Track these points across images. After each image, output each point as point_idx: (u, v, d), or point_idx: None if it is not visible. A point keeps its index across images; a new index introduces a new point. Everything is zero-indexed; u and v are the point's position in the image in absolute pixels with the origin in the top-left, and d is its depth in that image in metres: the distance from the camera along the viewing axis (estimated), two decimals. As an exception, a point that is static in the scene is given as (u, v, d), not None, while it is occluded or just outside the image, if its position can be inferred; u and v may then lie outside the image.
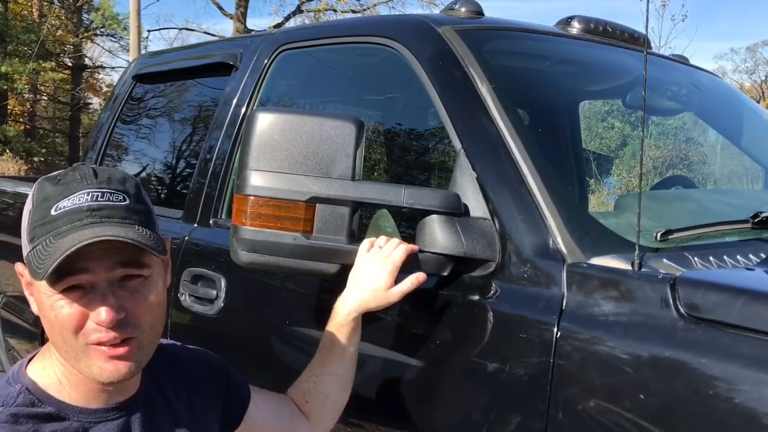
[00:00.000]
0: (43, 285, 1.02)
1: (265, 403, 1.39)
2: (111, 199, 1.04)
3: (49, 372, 1.09)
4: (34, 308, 1.08)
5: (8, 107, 21.16)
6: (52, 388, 1.08)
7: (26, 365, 1.12)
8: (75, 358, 1.04)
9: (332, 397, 1.42)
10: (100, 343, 1.02)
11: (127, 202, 1.05)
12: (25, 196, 3.44)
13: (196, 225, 2.12)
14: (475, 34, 1.84)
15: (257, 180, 1.38)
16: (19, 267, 1.07)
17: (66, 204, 1.01)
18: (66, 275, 1.00)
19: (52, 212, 1.01)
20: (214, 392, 1.30)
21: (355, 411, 1.60)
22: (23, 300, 3.01)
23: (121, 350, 1.03)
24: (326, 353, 1.42)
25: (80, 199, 1.02)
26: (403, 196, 1.42)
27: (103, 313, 1.01)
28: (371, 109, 2.31)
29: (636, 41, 2.28)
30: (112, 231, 1.00)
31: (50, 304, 1.02)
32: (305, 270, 1.43)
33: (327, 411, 1.43)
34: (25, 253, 1.04)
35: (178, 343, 1.36)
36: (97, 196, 1.03)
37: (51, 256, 0.98)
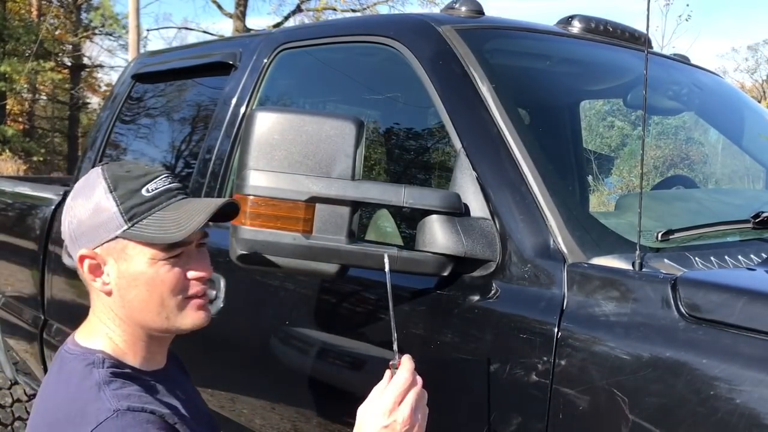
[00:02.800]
0: (146, 255, 1.19)
1: None
2: (176, 181, 1.26)
3: (107, 342, 1.23)
4: (105, 286, 1.22)
5: (7, 107, 21.14)
6: (118, 354, 1.23)
7: (77, 343, 1.25)
8: (167, 317, 1.23)
9: None
10: (196, 296, 1.24)
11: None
12: (25, 196, 3.41)
13: (195, 225, 2.11)
14: (475, 33, 1.84)
15: (257, 180, 1.38)
16: (84, 251, 1.20)
17: (157, 185, 1.21)
18: (179, 243, 1.20)
19: (144, 193, 1.19)
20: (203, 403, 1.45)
21: (355, 411, 1.60)
22: (22, 300, 3.02)
23: (205, 299, 1.27)
24: None
25: (164, 181, 1.22)
26: (403, 196, 1.41)
27: (204, 269, 1.25)
28: (371, 108, 2.31)
29: (637, 40, 2.28)
30: (211, 201, 1.25)
31: (155, 270, 1.20)
32: (305, 270, 1.43)
33: None
34: (115, 233, 1.18)
35: None
36: (172, 179, 1.24)
37: (181, 222, 1.18)
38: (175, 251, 1.21)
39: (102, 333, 1.24)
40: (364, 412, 1.16)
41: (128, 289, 1.21)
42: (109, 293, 1.22)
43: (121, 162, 1.19)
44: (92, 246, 1.20)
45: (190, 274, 1.24)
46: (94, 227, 1.19)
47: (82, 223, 1.20)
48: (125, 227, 1.18)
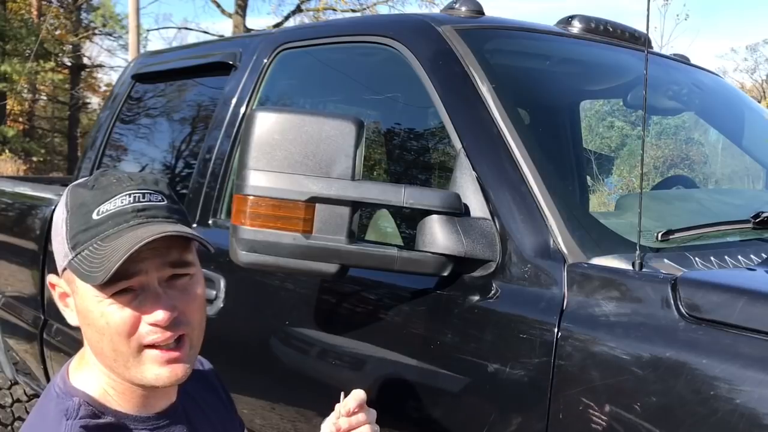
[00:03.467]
0: (90, 291, 1.00)
1: None
2: (151, 199, 1.03)
3: (94, 383, 1.07)
4: (72, 319, 1.07)
5: (7, 107, 21.13)
6: (103, 399, 1.07)
7: (67, 377, 1.10)
8: (125, 365, 1.02)
9: None
10: (154, 346, 1.02)
11: (166, 202, 1.06)
12: (25, 196, 3.41)
13: (195, 225, 2.12)
14: (475, 33, 1.84)
15: (257, 180, 1.37)
16: (52, 278, 1.07)
17: (109, 207, 1.00)
18: (120, 278, 0.98)
19: (95, 216, 1.00)
20: (236, 428, 1.30)
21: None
22: (22, 300, 3.02)
23: (176, 353, 1.03)
24: None
25: (122, 201, 1.01)
26: (403, 196, 1.41)
27: (159, 313, 1.00)
28: (371, 108, 2.31)
29: (637, 40, 2.28)
30: (168, 228, 1.01)
31: (101, 310, 1.00)
32: (305, 270, 1.42)
33: None
34: (64, 262, 1.02)
35: (204, 360, 1.32)
36: (139, 197, 1.02)
37: (108, 258, 0.97)
38: (116, 288, 0.99)
39: (93, 369, 1.08)
40: None
41: (85, 326, 1.05)
42: (81, 327, 1.06)
43: (108, 172, 1.05)
44: (58, 273, 1.07)
45: (145, 318, 1.01)
46: (56, 253, 1.06)
47: (52, 243, 1.08)
48: (70, 257, 1.01)
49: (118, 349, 1.01)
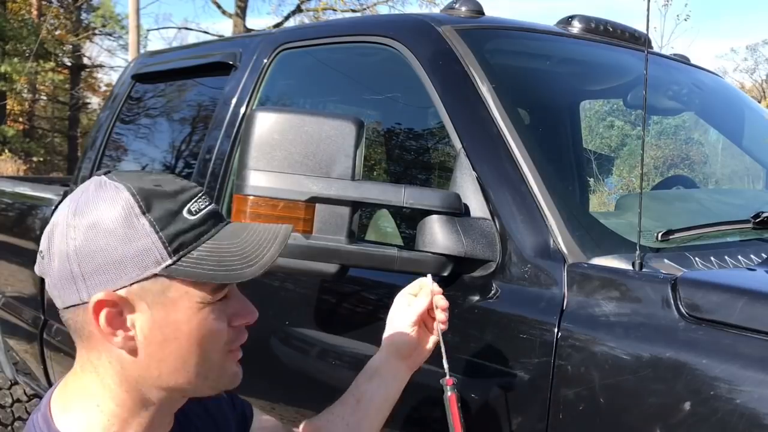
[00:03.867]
0: (193, 298, 0.91)
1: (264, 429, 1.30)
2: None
3: (93, 420, 0.93)
4: (124, 343, 0.90)
5: (7, 107, 21.14)
6: None
7: (51, 419, 0.93)
8: (206, 376, 0.95)
9: None
10: (238, 348, 0.99)
11: None
12: (25, 196, 3.40)
13: (195, 225, 2.11)
14: (475, 33, 1.84)
15: (257, 180, 1.37)
16: (101, 295, 0.88)
17: (199, 206, 0.93)
18: (225, 284, 0.93)
19: (187, 215, 0.91)
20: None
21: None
22: (22, 300, 3.02)
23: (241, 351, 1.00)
24: (347, 397, 1.34)
25: (205, 200, 0.95)
26: (403, 196, 1.41)
27: (253, 314, 0.98)
28: (371, 108, 2.31)
29: (637, 41, 2.28)
30: (277, 229, 0.99)
31: (202, 318, 0.92)
32: (305, 270, 1.42)
33: None
34: (159, 268, 0.89)
35: None
36: (207, 197, 0.98)
37: (246, 255, 0.92)
38: (222, 293, 0.94)
39: (89, 406, 0.93)
40: None
41: (163, 343, 0.91)
42: (132, 351, 0.91)
43: (137, 172, 0.95)
44: (113, 287, 0.88)
45: (237, 321, 0.97)
46: (118, 262, 0.88)
47: (95, 255, 0.88)
48: (169, 261, 0.89)
49: (208, 358, 0.94)
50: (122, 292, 0.89)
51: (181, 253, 0.89)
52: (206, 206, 0.94)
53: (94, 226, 0.88)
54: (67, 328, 0.95)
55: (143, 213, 0.89)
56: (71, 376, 0.96)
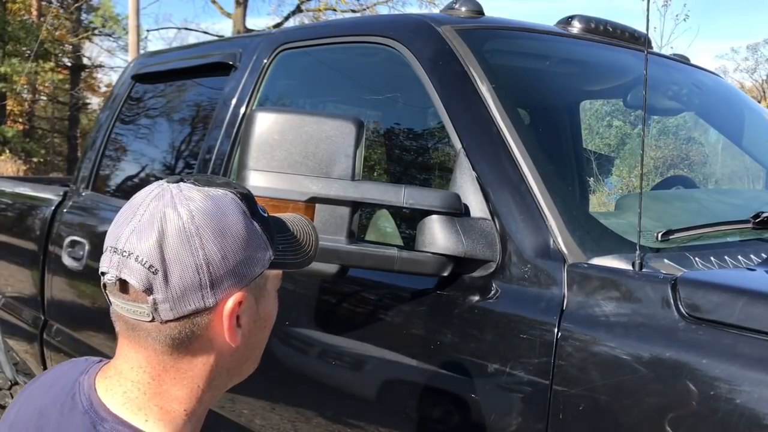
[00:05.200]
0: (275, 286, 0.99)
1: None
2: None
3: (179, 422, 0.92)
4: (241, 332, 0.93)
5: (7, 107, 21.13)
6: None
7: (123, 421, 0.90)
8: (256, 356, 1.00)
9: None
10: None
11: None
12: (25, 196, 3.40)
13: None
14: (475, 33, 1.84)
15: (256, 180, 1.38)
16: (238, 296, 0.90)
17: (257, 206, 0.97)
18: None
19: (262, 213, 0.96)
20: None
21: (355, 411, 1.60)
22: (22, 300, 3.02)
23: None
24: None
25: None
26: (403, 196, 1.41)
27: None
28: (371, 109, 2.31)
29: (637, 41, 2.28)
30: (299, 217, 1.08)
31: (277, 302, 1.00)
32: (305, 270, 1.42)
33: None
34: (266, 265, 0.93)
35: None
36: None
37: (301, 242, 1.00)
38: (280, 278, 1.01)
39: (173, 413, 0.91)
40: None
41: (261, 332, 0.98)
42: (236, 349, 0.93)
43: (207, 176, 0.95)
44: (237, 288, 0.90)
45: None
46: (244, 263, 0.90)
47: (227, 260, 0.88)
48: (274, 257, 0.94)
49: (265, 338, 1.01)
50: (245, 292, 0.91)
51: (273, 247, 0.94)
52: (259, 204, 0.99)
53: (222, 233, 0.88)
54: (152, 340, 0.89)
55: (250, 215, 0.92)
56: (129, 384, 0.91)
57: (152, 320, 0.87)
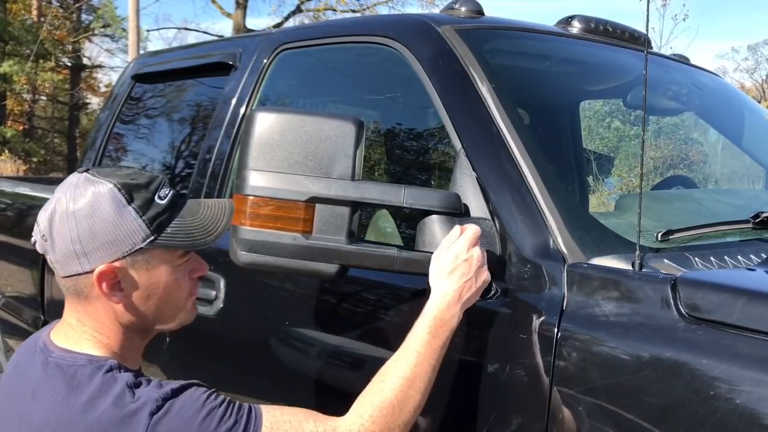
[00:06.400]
0: (168, 262, 1.23)
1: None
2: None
3: (103, 349, 1.22)
4: (126, 296, 1.21)
5: (7, 107, 21.13)
6: (118, 360, 1.21)
7: (65, 349, 1.21)
8: (173, 316, 1.28)
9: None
10: (195, 294, 1.31)
11: None
12: (25, 196, 3.39)
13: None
14: (475, 33, 1.84)
15: (256, 180, 1.37)
16: (103, 267, 1.17)
17: (165, 192, 1.22)
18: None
19: (158, 200, 1.20)
20: None
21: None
22: (22, 300, 3.02)
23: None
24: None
25: (168, 186, 1.24)
26: (403, 196, 1.41)
27: (205, 267, 1.32)
28: (371, 109, 2.31)
29: (636, 41, 2.28)
30: (224, 204, 1.33)
31: (174, 276, 1.24)
32: (305, 270, 1.42)
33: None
34: (140, 244, 1.18)
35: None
36: (168, 182, 1.26)
37: (205, 227, 1.25)
38: (187, 257, 1.26)
39: (96, 341, 1.22)
40: (441, 253, 1.33)
41: (147, 298, 1.23)
42: (125, 305, 1.22)
43: (112, 168, 1.21)
44: (109, 260, 1.18)
45: (195, 274, 1.29)
46: (113, 241, 1.17)
47: (95, 237, 1.16)
48: (152, 237, 1.19)
49: (178, 305, 1.27)
50: (117, 264, 1.18)
51: (160, 230, 1.20)
52: (170, 191, 1.23)
53: (91, 216, 1.16)
54: (65, 290, 1.22)
55: (128, 203, 1.18)
56: (74, 323, 1.23)
57: (56, 275, 1.21)
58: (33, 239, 1.22)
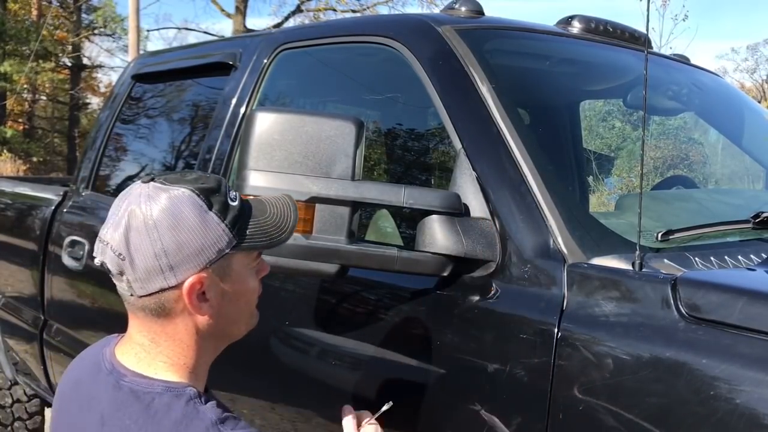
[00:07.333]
0: (245, 265, 1.15)
1: None
2: None
3: (183, 372, 1.13)
4: (208, 311, 1.12)
5: (7, 107, 21.13)
6: (194, 386, 1.14)
7: (149, 377, 1.11)
8: (246, 321, 1.21)
9: None
10: (260, 295, 1.23)
11: None
12: (25, 196, 3.40)
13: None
14: (475, 33, 1.84)
15: (256, 180, 1.38)
16: (193, 278, 1.08)
17: (234, 194, 1.14)
18: None
19: (232, 203, 1.12)
20: None
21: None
22: (22, 300, 3.02)
23: None
24: None
25: (232, 186, 1.19)
26: (403, 196, 1.41)
27: (268, 265, 1.24)
28: (371, 108, 2.31)
29: (637, 41, 2.28)
30: (286, 198, 1.25)
31: (252, 279, 1.18)
32: (305, 270, 1.43)
33: None
34: (226, 250, 1.10)
35: None
36: None
37: (277, 224, 1.17)
38: (259, 257, 1.20)
39: (172, 362, 1.13)
40: None
41: (228, 305, 1.15)
42: (210, 315, 1.13)
43: (176, 174, 1.13)
44: (196, 270, 1.07)
45: (261, 274, 1.22)
46: (199, 250, 1.07)
47: (182, 248, 1.06)
48: (236, 241, 1.11)
49: (250, 308, 1.21)
50: (204, 273, 1.09)
51: (240, 233, 1.11)
52: (236, 192, 1.16)
53: (175, 226, 1.06)
54: (138, 310, 1.11)
55: (209, 208, 1.08)
56: (138, 347, 1.13)
57: (132, 295, 1.09)
58: (98, 260, 1.11)
